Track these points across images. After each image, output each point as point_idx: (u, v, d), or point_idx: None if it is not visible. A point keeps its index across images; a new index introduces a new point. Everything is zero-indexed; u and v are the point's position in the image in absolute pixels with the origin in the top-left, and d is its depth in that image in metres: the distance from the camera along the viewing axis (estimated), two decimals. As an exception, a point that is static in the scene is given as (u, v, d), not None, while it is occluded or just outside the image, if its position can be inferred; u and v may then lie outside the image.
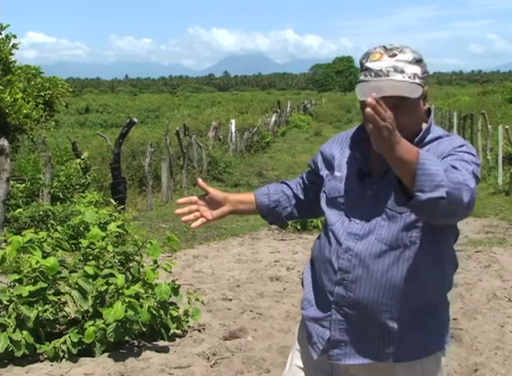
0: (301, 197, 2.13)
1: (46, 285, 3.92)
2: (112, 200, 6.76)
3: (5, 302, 3.91)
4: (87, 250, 4.23)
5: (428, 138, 1.83)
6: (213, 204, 2.00)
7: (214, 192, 2.01)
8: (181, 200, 1.97)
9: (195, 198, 1.98)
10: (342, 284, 1.81)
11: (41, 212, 7.43)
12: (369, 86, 1.71)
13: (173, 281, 4.33)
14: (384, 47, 1.78)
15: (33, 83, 13.70)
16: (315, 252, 1.97)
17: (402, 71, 1.74)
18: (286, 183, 2.17)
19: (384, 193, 1.80)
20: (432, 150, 1.77)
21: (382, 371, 1.88)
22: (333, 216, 1.88)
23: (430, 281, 1.82)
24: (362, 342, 1.84)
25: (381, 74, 1.74)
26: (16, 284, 3.99)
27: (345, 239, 1.82)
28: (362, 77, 1.79)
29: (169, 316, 4.21)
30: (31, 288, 3.83)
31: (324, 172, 1.98)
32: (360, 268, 1.78)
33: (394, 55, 1.76)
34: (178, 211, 1.97)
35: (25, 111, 12.19)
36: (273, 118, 25.63)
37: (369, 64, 1.78)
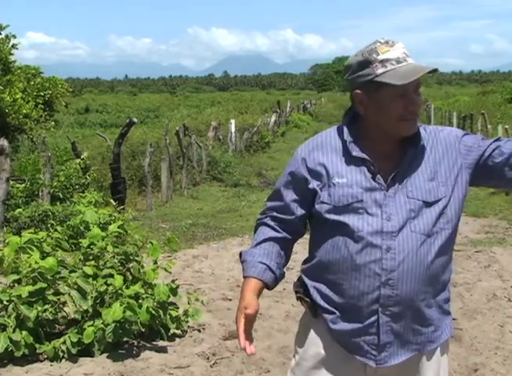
0: (289, 234, 2.04)
1: (46, 285, 3.92)
2: (112, 200, 6.76)
3: (4, 302, 3.91)
4: (87, 250, 4.23)
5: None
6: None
7: (254, 318, 1.95)
8: (251, 351, 1.92)
9: (249, 332, 1.92)
10: (388, 285, 1.80)
11: (40, 212, 7.43)
12: (405, 70, 1.78)
13: (173, 281, 4.33)
14: (380, 42, 1.84)
15: (32, 83, 13.71)
16: (336, 266, 1.87)
17: (409, 55, 1.83)
18: (266, 240, 2.03)
19: (406, 187, 1.84)
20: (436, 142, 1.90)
21: (410, 364, 1.90)
22: (356, 222, 1.83)
23: (450, 263, 1.92)
24: (402, 337, 1.86)
25: (401, 60, 1.80)
26: (15, 285, 3.99)
27: (382, 239, 1.80)
28: (381, 70, 1.80)
29: (168, 316, 4.21)
30: (31, 288, 3.83)
31: (314, 183, 1.89)
32: (405, 263, 1.80)
33: (393, 44, 1.83)
34: (248, 351, 1.91)
35: (25, 111, 12.21)
36: (273, 118, 25.63)
37: (383, 56, 1.80)
